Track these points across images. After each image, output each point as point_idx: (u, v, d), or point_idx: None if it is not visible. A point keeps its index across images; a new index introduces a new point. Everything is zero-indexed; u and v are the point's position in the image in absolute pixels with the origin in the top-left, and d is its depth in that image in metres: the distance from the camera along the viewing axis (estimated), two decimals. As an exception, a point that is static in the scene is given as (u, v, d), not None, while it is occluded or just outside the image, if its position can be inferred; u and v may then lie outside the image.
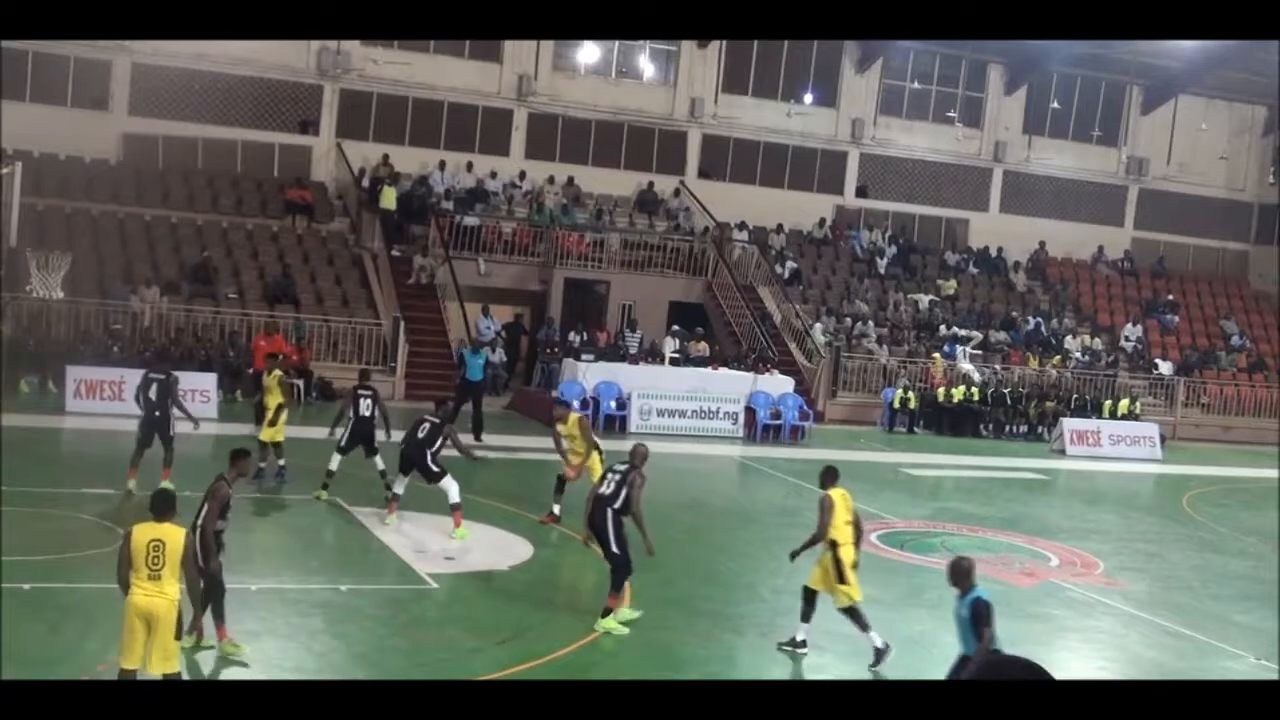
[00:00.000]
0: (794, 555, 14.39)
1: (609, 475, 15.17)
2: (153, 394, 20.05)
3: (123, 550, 10.51)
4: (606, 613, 14.52)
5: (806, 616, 14.27)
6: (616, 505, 14.65)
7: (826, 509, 14.09)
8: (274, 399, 20.85)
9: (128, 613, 10.35)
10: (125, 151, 37.23)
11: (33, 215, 32.21)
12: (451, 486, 18.44)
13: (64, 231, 33.33)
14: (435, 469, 18.52)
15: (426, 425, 18.66)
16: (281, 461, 20.76)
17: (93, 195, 35.29)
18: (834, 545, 14.06)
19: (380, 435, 20.28)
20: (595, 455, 19.64)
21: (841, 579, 14.05)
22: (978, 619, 10.71)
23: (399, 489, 18.88)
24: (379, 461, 20.14)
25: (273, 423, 20.75)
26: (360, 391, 20.45)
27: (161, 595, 10.32)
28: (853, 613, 14.12)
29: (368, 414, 20.17)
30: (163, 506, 10.74)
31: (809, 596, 14.27)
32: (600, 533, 14.72)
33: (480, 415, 27.52)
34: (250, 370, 28.39)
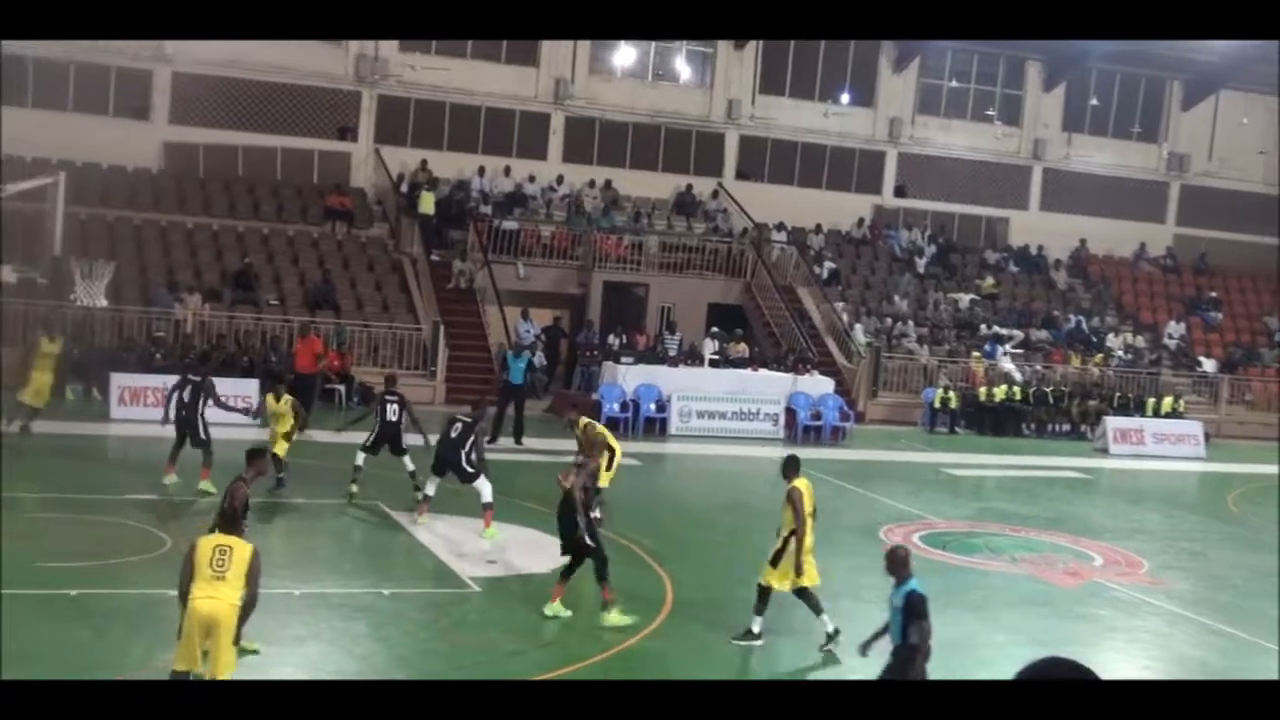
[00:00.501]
0: (779, 561, 14.37)
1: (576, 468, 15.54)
2: (185, 396, 20.46)
3: (187, 558, 10.55)
4: (605, 606, 14.68)
5: (817, 609, 14.41)
6: (574, 497, 14.89)
7: (797, 500, 14.28)
8: (286, 422, 20.53)
9: (188, 619, 10.34)
10: (166, 160, 37.51)
11: (76, 224, 32.52)
12: (485, 486, 18.53)
13: (107, 240, 33.64)
14: (469, 469, 18.61)
15: (459, 425, 18.76)
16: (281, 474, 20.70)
17: (135, 204, 35.56)
18: (792, 534, 14.24)
19: (416, 440, 20.36)
20: (604, 460, 19.51)
21: (775, 562, 14.25)
22: (910, 611, 10.85)
23: (430, 490, 18.98)
24: (408, 462, 20.27)
25: (287, 437, 20.62)
26: (386, 397, 20.65)
27: (222, 598, 10.33)
28: (765, 593, 14.36)
29: (394, 419, 20.35)
30: (232, 521, 10.92)
31: (802, 594, 14.41)
32: (570, 530, 14.88)
33: (521, 419, 27.55)
34: (292, 375, 28.51)
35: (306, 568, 16.49)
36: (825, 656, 14.20)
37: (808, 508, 14.31)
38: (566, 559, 15.02)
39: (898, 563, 11.20)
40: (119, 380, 27.34)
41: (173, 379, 21.99)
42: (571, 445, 21.61)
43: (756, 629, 14.44)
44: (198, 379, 20.89)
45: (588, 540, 14.72)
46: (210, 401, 20.65)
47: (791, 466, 14.68)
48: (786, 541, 14.24)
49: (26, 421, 23.59)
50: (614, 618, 14.60)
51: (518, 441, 27.24)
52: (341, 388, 30.88)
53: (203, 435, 20.31)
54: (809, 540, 14.31)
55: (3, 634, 12.34)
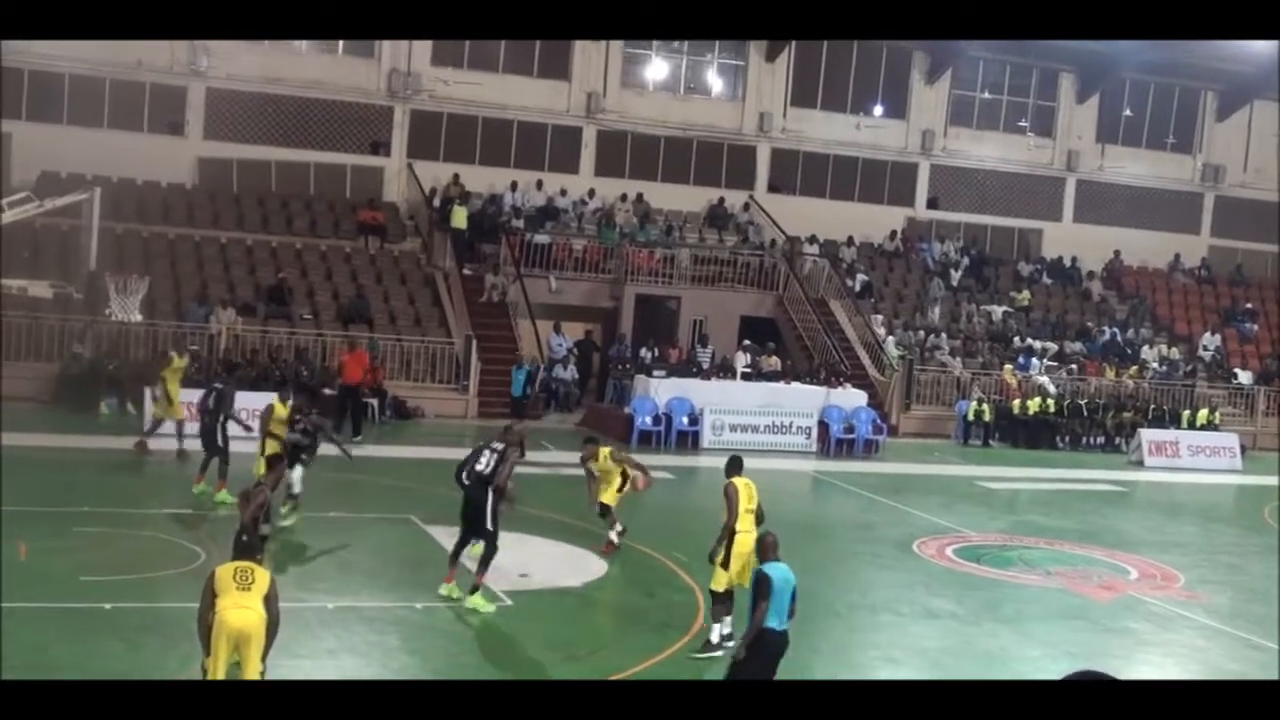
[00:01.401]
0: (714, 557, 14.49)
1: (486, 452, 15.65)
2: (210, 403, 20.81)
3: (206, 586, 10.51)
4: (474, 590, 15.04)
5: (719, 615, 14.44)
6: (495, 483, 15.27)
7: (732, 497, 14.50)
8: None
9: (216, 632, 10.29)
10: (200, 175, 37.74)
11: (111, 239, 32.69)
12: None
13: (142, 255, 33.83)
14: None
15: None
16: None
17: (169, 219, 35.78)
18: (732, 533, 14.37)
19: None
20: (624, 473, 19.46)
21: (725, 564, 14.31)
22: (755, 589, 11.34)
23: None
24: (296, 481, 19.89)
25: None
26: (295, 421, 20.38)
27: (253, 608, 10.31)
28: (725, 597, 14.36)
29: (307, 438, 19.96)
30: (249, 549, 10.97)
31: (720, 593, 14.45)
32: (478, 510, 15.25)
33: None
34: (330, 391, 28.69)
35: (339, 581, 16.52)
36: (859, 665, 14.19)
37: (746, 505, 14.49)
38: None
39: (765, 549, 11.80)
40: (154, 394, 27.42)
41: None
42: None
43: (717, 637, 14.22)
44: (220, 387, 21.20)
45: (488, 526, 15.18)
46: (228, 411, 20.86)
47: (732, 466, 15.04)
48: (731, 541, 14.33)
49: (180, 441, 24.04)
50: (477, 600, 15.03)
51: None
52: (374, 401, 30.94)
53: (219, 444, 20.42)
54: (747, 541, 14.29)
55: (38, 647, 12.43)
